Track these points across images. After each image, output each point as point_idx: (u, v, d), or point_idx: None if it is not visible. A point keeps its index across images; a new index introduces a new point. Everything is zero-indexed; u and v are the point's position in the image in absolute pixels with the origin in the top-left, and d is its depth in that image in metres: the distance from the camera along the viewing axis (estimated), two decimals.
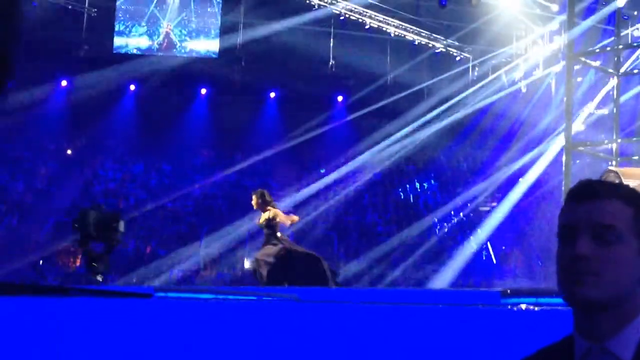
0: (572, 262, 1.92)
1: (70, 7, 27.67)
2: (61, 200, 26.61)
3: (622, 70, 15.27)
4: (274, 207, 12.19)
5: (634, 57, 19.49)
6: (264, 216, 12.07)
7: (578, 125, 17.38)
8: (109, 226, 9.39)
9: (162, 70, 28.28)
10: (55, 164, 29.10)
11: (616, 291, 1.90)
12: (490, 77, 27.45)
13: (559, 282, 1.95)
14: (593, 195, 1.97)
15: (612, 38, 16.31)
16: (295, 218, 12.75)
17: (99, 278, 9.36)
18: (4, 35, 1.05)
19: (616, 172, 9.22)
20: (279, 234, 12.08)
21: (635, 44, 18.88)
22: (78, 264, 24.87)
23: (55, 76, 29.77)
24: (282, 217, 12.18)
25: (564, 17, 20.20)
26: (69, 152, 30.24)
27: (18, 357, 4.26)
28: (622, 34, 15.68)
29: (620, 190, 1.98)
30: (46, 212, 25.97)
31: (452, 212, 28.13)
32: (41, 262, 24.05)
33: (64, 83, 30.34)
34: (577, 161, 14.71)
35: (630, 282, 1.91)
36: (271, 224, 12.06)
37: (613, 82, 14.74)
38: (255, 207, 12.33)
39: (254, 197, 12.36)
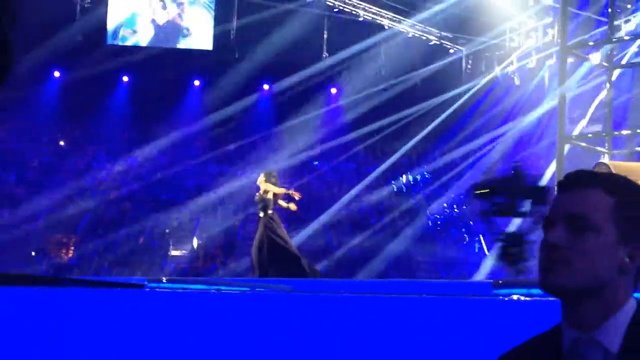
0: (546, 251, 1.94)
1: None
2: (54, 191, 26.57)
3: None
4: (273, 186, 12.27)
5: (634, 48, 19.51)
6: (260, 190, 12.22)
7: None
8: (537, 196, 6.94)
9: (155, 62, 28.24)
10: (48, 156, 29.06)
11: (590, 280, 1.91)
12: (493, 73, 27.44)
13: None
14: (572, 185, 1.99)
15: (605, 27, 16.31)
16: (293, 193, 12.67)
17: (521, 268, 6.83)
18: (7, 19, 1.06)
19: (607, 165, 9.22)
20: (269, 212, 12.12)
21: (628, 37, 18.88)
22: (70, 254, 24.87)
23: (48, 67, 29.71)
24: (275, 190, 12.21)
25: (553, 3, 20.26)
26: (61, 143, 30.20)
27: (9, 347, 4.26)
28: (615, 23, 15.67)
29: (602, 180, 1.99)
30: (39, 204, 25.93)
31: (445, 205, 28.17)
32: (33, 253, 24.03)
33: (56, 74, 30.28)
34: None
35: (606, 272, 1.92)
36: (263, 198, 12.14)
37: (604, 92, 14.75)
38: (258, 183, 12.43)
39: (261, 174, 12.48)
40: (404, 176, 29.44)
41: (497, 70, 27.64)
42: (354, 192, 26.96)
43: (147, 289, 5.08)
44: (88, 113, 29.07)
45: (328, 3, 27.03)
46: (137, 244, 24.86)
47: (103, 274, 21.55)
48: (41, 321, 4.32)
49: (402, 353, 4.18)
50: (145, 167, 29.55)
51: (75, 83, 28.39)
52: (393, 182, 28.97)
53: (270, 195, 12.15)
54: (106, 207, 26.17)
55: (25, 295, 4.58)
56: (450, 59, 28.74)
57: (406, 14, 27.59)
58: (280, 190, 12.46)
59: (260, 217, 12.21)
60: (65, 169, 27.85)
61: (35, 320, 4.33)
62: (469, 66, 28.96)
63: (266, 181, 12.29)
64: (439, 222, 27.37)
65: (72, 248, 25.19)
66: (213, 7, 29.79)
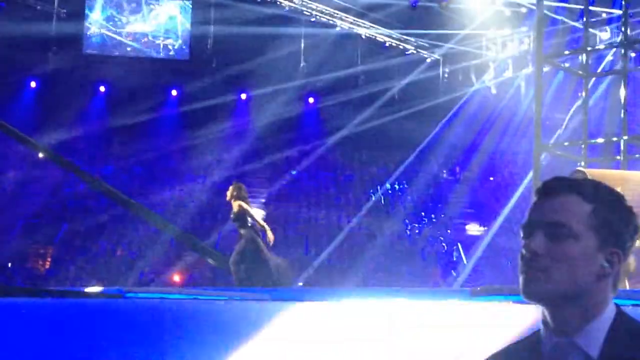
0: (526, 259, 1.95)
1: (39, 7, 27.45)
2: (30, 202, 26.39)
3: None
4: (244, 202, 12.14)
5: (608, 58, 19.68)
6: (233, 209, 12.10)
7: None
8: None
9: (132, 72, 28.14)
10: (24, 166, 28.84)
11: (570, 286, 1.92)
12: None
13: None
14: (550, 192, 2.00)
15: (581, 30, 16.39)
16: (270, 235, 12.35)
17: None
18: None
19: (584, 173, 9.27)
20: (249, 223, 12.04)
21: (604, 46, 19.05)
22: (47, 265, 24.70)
23: (24, 77, 29.53)
24: (249, 211, 12.14)
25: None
26: (40, 155, 29.96)
27: None
28: (590, 31, 15.79)
29: (580, 186, 2.00)
30: (15, 215, 25.74)
31: (423, 213, 28.23)
32: (10, 264, 23.84)
33: (33, 84, 30.10)
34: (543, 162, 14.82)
35: (585, 278, 1.93)
36: (239, 216, 12.04)
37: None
38: (227, 198, 12.29)
39: (230, 188, 12.35)
40: (382, 186, 29.50)
41: (474, 80, 27.73)
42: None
43: (126, 299, 5.06)
44: (65, 123, 28.89)
45: (305, 13, 27.04)
46: (115, 255, 24.72)
47: (80, 285, 21.40)
48: (19, 333, 4.29)
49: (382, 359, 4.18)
50: (123, 178, 29.42)
51: (52, 93, 28.24)
52: (372, 191, 29.02)
53: (245, 212, 12.05)
54: (83, 218, 25.98)
55: (2, 306, 4.54)
56: (427, 69, 28.82)
57: (384, 23, 27.66)
58: (258, 219, 12.33)
59: (240, 233, 12.14)
60: (41, 180, 27.66)
61: (12, 332, 4.29)
62: (445, 76, 29.06)
63: (237, 196, 12.14)
64: (417, 231, 27.41)
65: (49, 259, 25.02)
66: (190, 17, 29.79)
